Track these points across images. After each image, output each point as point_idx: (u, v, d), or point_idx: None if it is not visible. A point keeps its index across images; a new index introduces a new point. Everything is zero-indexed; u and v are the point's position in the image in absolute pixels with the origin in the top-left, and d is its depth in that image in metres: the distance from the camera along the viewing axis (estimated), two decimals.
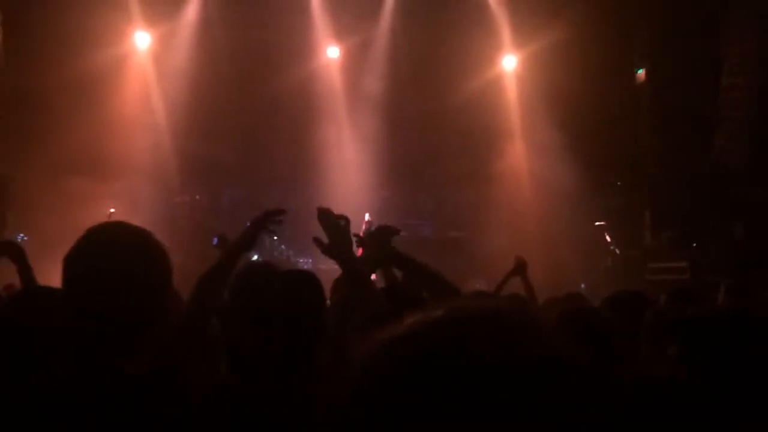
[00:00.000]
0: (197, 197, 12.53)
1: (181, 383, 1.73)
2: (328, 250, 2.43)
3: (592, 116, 11.50)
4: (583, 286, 10.17)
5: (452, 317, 0.74)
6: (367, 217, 11.22)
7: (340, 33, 12.48)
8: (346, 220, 2.51)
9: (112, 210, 9.92)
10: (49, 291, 2.59)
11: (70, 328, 1.62)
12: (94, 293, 1.56)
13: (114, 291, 1.55)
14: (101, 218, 9.64)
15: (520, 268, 4.96)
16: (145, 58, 11.88)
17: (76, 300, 1.60)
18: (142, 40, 11.79)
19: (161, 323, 1.66)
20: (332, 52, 12.71)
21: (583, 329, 1.94)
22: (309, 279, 2.38)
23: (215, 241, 4.03)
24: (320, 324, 2.22)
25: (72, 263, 1.62)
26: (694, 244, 9.84)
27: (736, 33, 10.37)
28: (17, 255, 3.10)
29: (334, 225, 2.46)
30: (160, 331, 1.67)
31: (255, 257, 10.26)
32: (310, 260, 10.54)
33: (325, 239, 2.50)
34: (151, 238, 1.69)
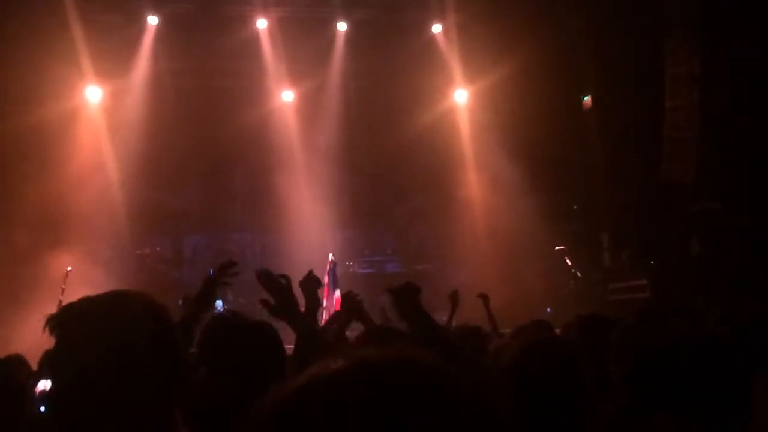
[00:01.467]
0: (158, 248, 12.34)
1: None
2: (275, 311, 2.43)
3: (544, 144, 11.78)
4: (549, 310, 10.30)
5: (347, 375, 0.73)
6: (330, 257, 11.22)
7: (294, 77, 12.60)
8: (287, 279, 2.52)
9: (69, 268, 9.68)
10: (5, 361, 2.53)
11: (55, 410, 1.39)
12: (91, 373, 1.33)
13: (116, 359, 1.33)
14: (58, 277, 9.43)
15: (456, 303, 5.18)
16: (96, 112, 11.79)
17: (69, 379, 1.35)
18: (93, 94, 11.71)
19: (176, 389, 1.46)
20: (287, 96, 12.80)
21: (547, 362, 1.99)
22: (264, 331, 2.32)
23: (181, 302, 4.06)
24: (276, 375, 2.19)
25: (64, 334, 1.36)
26: (652, 262, 10.06)
27: (677, 56, 10.78)
28: None
29: (276, 285, 2.46)
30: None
31: (220, 305, 10.12)
32: None
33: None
34: (157, 304, 1.47)
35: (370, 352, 0.75)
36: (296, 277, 2.69)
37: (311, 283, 2.76)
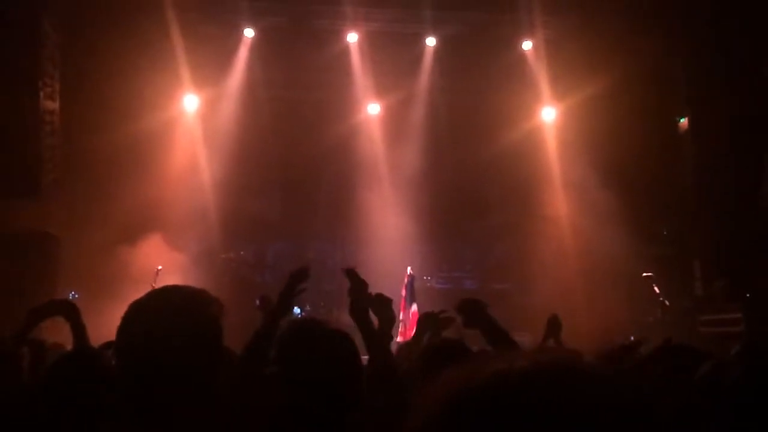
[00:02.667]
0: (242, 253, 12.72)
1: None
2: (351, 311, 2.58)
3: (635, 166, 11.38)
4: (632, 338, 9.88)
5: (539, 368, 0.73)
6: (409, 270, 11.22)
7: (381, 90, 12.74)
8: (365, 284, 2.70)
9: (160, 267, 10.14)
10: (99, 352, 2.66)
11: (125, 393, 1.60)
12: (146, 359, 1.56)
13: (165, 355, 1.55)
14: (150, 275, 9.89)
15: (555, 329, 4.74)
16: (193, 120, 12.33)
17: (129, 365, 1.60)
18: (190, 102, 12.25)
19: (213, 384, 1.64)
20: (373, 109, 12.95)
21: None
22: (340, 339, 2.32)
23: (257, 302, 4.14)
24: (351, 385, 2.17)
25: (124, 329, 1.62)
26: (748, 294, 9.50)
27: None
28: (71, 313, 3.12)
29: (357, 284, 2.63)
30: (214, 392, 1.65)
31: (297, 312, 10.31)
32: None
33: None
34: (203, 299, 1.68)
35: (548, 355, 0.76)
36: (373, 288, 2.72)
37: (381, 304, 2.81)
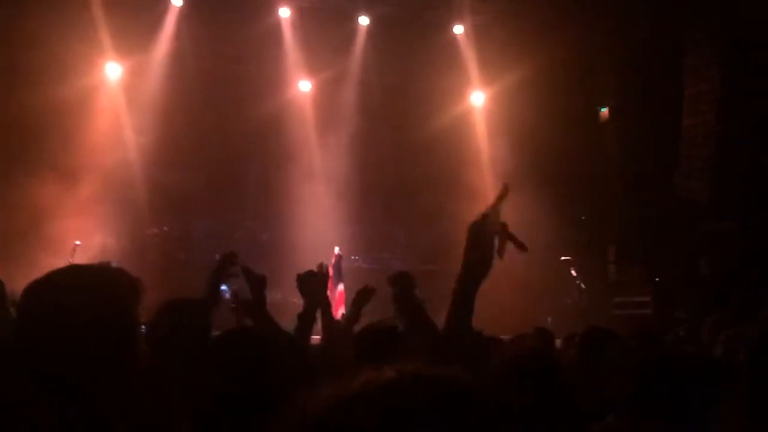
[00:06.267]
0: (166, 229, 12.39)
1: None
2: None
3: (558, 152, 11.72)
4: (549, 320, 10.25)
5: (402, 386, 0.74)
6: (336, 250, 11.24)
7: (313, 67, 12.59)
8: (264, 278, 2.83)
9: (78, 242, 9.76)
10: None
11: (25, 377, 1.44)
12: (50, 336, 1.43)
13: (72, 333, 1.43)
14: (67, 252, 9.49)
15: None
16: (116, 89, 11.83)
17: (30, 344, 1.45)
18: (113, 71, 11.75)
19: (130, 368, 1.53)
20: (304, 86, 12.80)
21: (530, 375, 2.00)
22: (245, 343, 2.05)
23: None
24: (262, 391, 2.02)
25: (25, 305, 1.49)
26: (657, 279, 10.01)
27: (697, 74, 10.72)
28: None
29: (252, 281, 2.78)
30: (132, 376, 1.55)
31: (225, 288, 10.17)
32: (280, 294, 10.45)
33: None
34: (113, 277, 1.57)
35: (418, 366, 0.77)
36: (297, 267, 2.71)
37: (309, 281, 2.75)
